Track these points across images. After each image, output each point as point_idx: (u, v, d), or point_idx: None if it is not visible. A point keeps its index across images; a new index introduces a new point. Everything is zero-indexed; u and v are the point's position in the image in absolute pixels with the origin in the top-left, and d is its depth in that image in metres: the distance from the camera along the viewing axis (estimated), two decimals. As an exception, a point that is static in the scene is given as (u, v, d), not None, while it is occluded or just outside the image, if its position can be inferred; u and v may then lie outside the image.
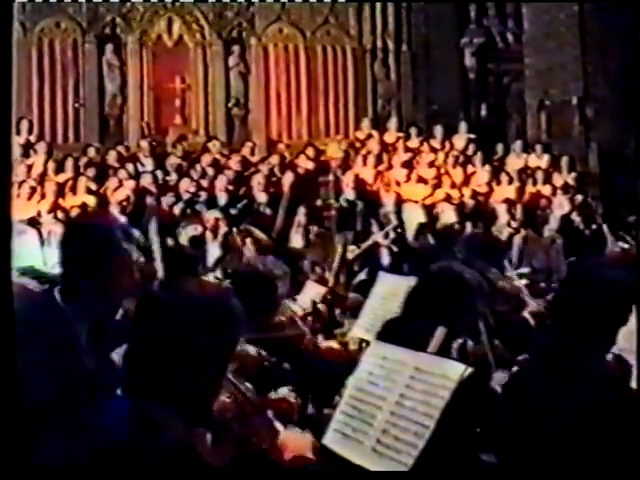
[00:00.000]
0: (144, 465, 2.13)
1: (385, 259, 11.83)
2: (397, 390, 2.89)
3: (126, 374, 2.25)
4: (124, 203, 12.42)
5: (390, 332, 3.71)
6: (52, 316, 2.35)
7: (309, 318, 5.47)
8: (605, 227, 12.42)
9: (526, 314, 5.18)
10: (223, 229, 11.81)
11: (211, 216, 11.98)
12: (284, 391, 3.58)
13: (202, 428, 2.46)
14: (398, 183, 13.99)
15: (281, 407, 3.42)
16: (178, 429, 2.19)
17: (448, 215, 13.07)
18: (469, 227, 12.82)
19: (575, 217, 13.15)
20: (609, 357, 3.27)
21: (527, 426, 2.91)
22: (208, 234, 11.80)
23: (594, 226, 12.91)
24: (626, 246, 9.16)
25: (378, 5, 16.42)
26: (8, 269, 2.38)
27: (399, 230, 12.33)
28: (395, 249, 11.94)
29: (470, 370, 2.81)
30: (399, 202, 13.23)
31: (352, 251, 11.24)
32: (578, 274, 3.43)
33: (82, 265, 2.94)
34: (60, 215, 12.27)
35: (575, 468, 2.79)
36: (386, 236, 12.12)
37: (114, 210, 12.31)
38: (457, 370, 2.81)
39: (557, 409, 2.91)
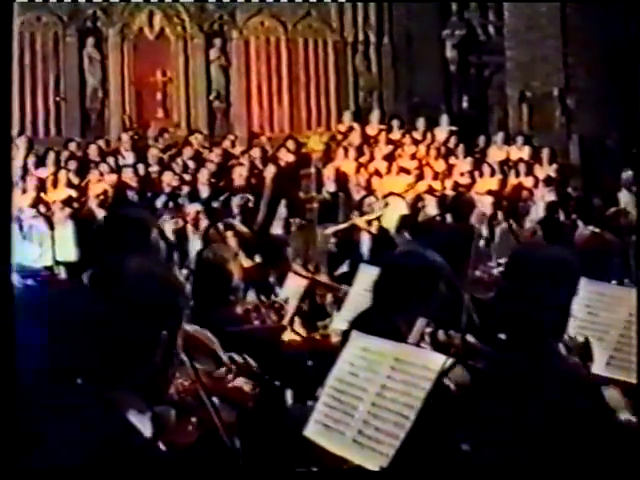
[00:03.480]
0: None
1: (365, 246, 11.84)
2: (378, 381, 2.90)
3: (79, 358, 2.24)
4: (101, 197, 12.42)
5: (363, 323, 3.71)
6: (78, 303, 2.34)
7: (275, 306, 5.49)
8: (580, 222, 12.45)
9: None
10: (204, 222, 11.78)
11: (192, 209, 11.95)
12: (240, 380, 3.61)
13: (165, 406, 2.46)
14: (380, 175, 13.99)
15: (234, 395, 3.45)
16: (140, 406, 2.20)
17: (429, 207, 13.08)
18: (450, 219, 12.83)
19: (556, 209, 13.16)
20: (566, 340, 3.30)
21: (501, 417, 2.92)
22: (189, 227, 11.77)
23: (574, 217, 12.94)
24: (596, 230, 9.15)
25: (360, -2, 16.43)
26: (8, 266, 2.38)
27: (380, 222, 12.32)
28: (374, 231, 11.95)
29: (451, 361, 2.82)
30: (381, 194, 13.22)
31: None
32: (518, 258, 3.46)
33: (117, 250, 2.91)
34: (42, 209, 12.22)
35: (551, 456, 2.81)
36: (368, 224, 12.14)
37: (92, 204, 12.29)
38: (437, 361, 2.82)
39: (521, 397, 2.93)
